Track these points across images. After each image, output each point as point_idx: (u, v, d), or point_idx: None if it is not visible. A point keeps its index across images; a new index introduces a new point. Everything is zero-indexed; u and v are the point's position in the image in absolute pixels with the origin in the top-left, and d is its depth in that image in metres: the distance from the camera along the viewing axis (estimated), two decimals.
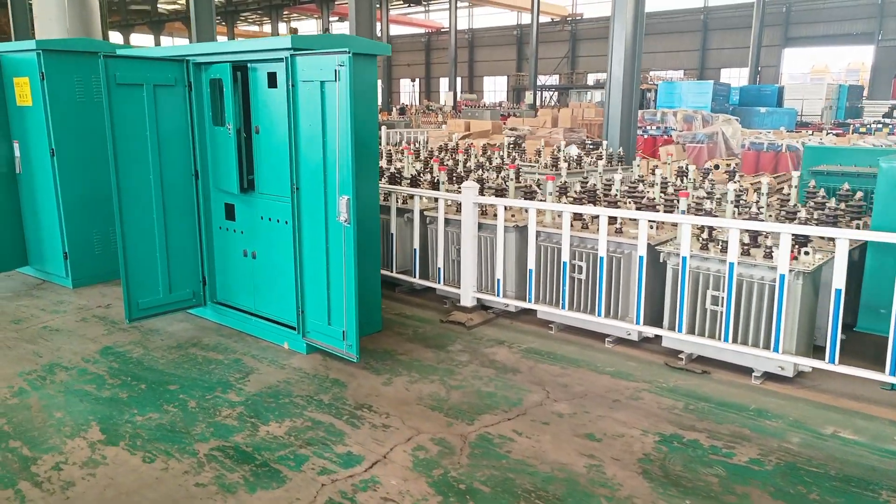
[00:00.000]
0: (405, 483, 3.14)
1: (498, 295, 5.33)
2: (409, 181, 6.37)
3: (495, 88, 51.51)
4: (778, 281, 3.93)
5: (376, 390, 4.17)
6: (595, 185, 5.59)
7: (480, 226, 5.46)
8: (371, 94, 4.83)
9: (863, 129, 16.57)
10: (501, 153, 9.78)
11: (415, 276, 5.93)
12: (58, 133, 6.04)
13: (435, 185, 6.11)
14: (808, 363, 3.99)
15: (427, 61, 54.22)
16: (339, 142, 4.16)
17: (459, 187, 6.21)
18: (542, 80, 43.26)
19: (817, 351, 4.39)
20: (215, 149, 5.09)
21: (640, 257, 4.49)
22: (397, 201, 6.05)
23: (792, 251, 3.96)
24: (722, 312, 4.24)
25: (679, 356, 4.54)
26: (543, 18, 42.06)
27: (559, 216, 5.26)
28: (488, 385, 4.25)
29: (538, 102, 38.14)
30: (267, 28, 54.00)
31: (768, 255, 4.11)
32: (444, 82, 51.27)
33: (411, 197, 6.20)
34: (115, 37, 43.52)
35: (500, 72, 50.66)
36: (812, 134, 15.51)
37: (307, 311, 4.69)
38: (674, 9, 40.46)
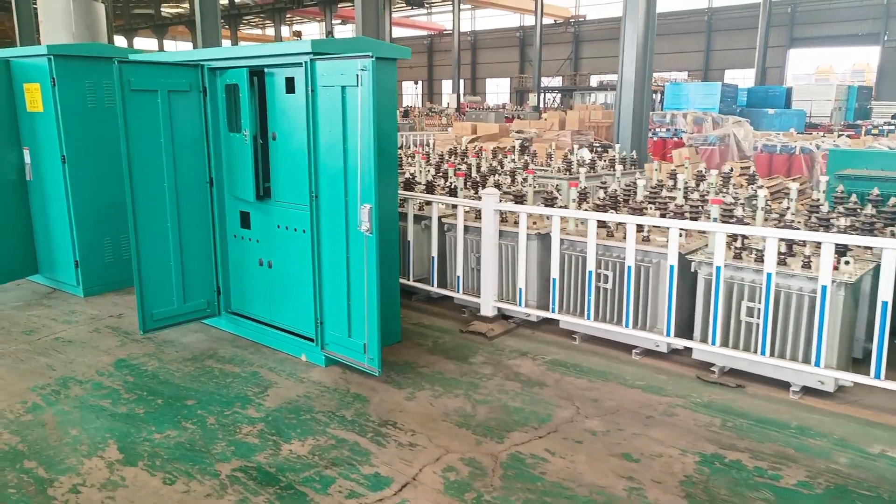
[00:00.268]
0: None
1: (520, 304, 5.19)
2: (424, 187, 6.24)
3: (498, 90, 51.41)
4: (819, 292, 3.79)
5: (400, 405, 4.04)
6: (616, 190, 5.46)
7: (500, 233, 5.32)
8: (391, 98, 4.71)
9: (875, 131, 16.42)
10: (513, 157, 9.64)
11: (432, 285, 5.79)
12: (69, 140, 5.93)
13: (452, 192, 5.98)
14: (852, 378, 3.85)
15: (429, 63, 54.15)
16: (361, 148, 4.04)
17: (477, 193, 6.09)
18: (545, 81, 43.11)
19: (855, 364, 4.25)
20: (230, 156, 4.97)
21: (671, 267, 4.35)
22: (413, 208, 5.93)
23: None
24: (758, 324, 4.10)
25: (711, 369, 4.39)
26: (546, 20, 41.90)
27: (582, 223, 5.13)
28: (515, 400, 4.11)
29: (541, 104, 38.01)
30: (269, 31, 54.02)
31: (807, 265, 3.97)
32: (446, 84, 51.18)
33: (428, 203, 6.07)
34: (119, 41, 43.50)
35: (502, 74, 50.57)
36: (824, 136, 15.36)
37: (326, 322, 4.56)
38: (678, 10, 40.31)
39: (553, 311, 5.02)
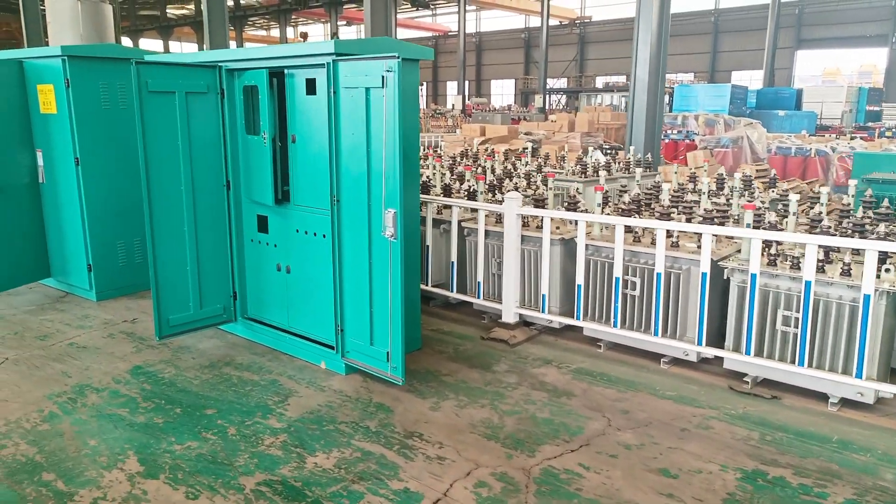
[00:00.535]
0: None
1: (543, 311, 5.08)
2: (441, 191, 6.14)
3: (503, 92, 51.31)
4: (862, 301, 3.66)
5: (425, 416, 3.93)
6: (639, 194, 5.35)
7: (522, 238, 5.21)
8: (414, 101, 4.60)
9: (889, 133, 16.27)
10: (527, 159, 9.52)
11: (452, 290, 5.68)
12: (83, 142, 5.84)
13: (470, 195, 5.87)
14: (893, 390, 3.72)
15: (434, 65, 54.03)
16: (386, 152, 3.93)
17: (494, 197, 5.97)
18: (551, 83, 43.00)
19: (892, 375, 4.12)
20: (248, 159, 4.87)
21: (704, 274, 4.23)
22: (431, 212, 5.82)
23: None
24: (795, 334, 3.97)
25: (744, 379, 4.27)
26: (551, 21, 41.81)
27: (607, 228, 5.01)
28: (542, 410, 4.00)
29: (547, 106, 37.88)
30: (274, 32, 54.03)
31: (846, 273, 3.85)
32: (451, 86, 51.09)
33: (446, 207, 5.97)
34: (125, 42, 43.53)
35: (507, 75, 50.46)
36: (838, 138, 15.21)
37: (347, 329, 4.45)
38: (685, 11, 40.15)
39: (578, 319, 4.90)
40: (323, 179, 4.40)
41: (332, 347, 4.57)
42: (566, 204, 5.34)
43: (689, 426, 3.77)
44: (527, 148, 10.95)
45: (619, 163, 8.83)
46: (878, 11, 34.98)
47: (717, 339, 4.56)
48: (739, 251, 4.58)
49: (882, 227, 3.97)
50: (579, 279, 4.83)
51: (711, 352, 4.36)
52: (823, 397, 4.02)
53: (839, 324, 3.86)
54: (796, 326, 3.97)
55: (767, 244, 4.23)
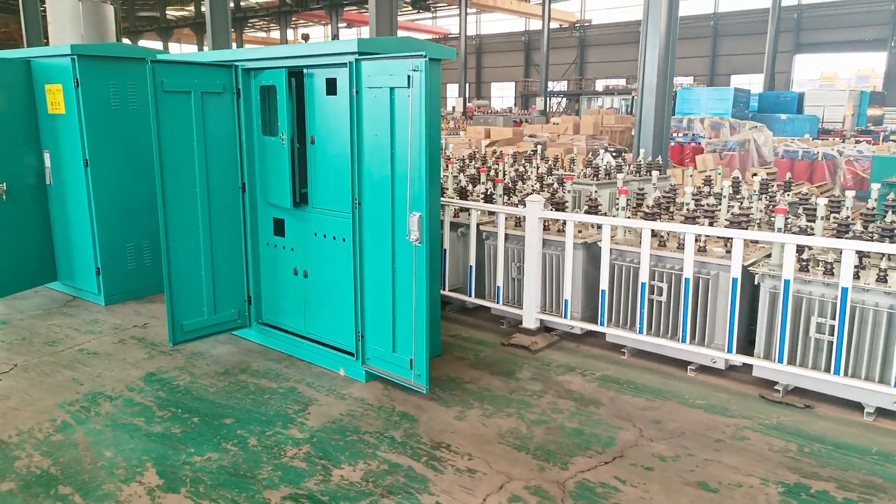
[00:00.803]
0: None
1: (565, 316, 4.97)
2: (457, 193, 6.03)
3: (503, 94, 51.27)
4: None
5: (450, 426, 3.82)
6: (660, 198, 5.25)
7: (543, 242, 5.10)
8: (437, 101, 4.49)
9: (894, 137, 16.23)
10: (538, 162, 9.42)
11: (470, 295, 5.57)
12: (92, 142, 5.72)
13: (487, 198, 5.77)
14: None
15: None
16: (412, 154, 3.82)
17: (510, 199, 5.87)
18: (551, 85, 42.96)
19: None
20: (264, 160, 4.76)
21: (734, 280, 4.13)
22: (448, 215, 5.71)
23: None
24: (829, 341, 3.87)
25: (775, 388, 4.17)
26: (551, 24, 41.81)
27: (630, 232, 4.92)
28: (571, 420, 3.89)
29: (547, 109, 37.83)
30: (274, 34, 53.88)
31: (882, 279, 3.75)
32: (451, 88, 50.99)
33: (463, 210, 5.86)
34: (125, 43, 43.39)
35: (507, 78, 50.42)
36: (844, 142, 15.16)
37: (367, 335, 4.34)
38: (684, 15, 40.12)
39: (602, 324, 4.80)
40: (343, 182, 4.29)
41: (351, 354, 4.45)
42: (586, 207, 5.25)
43: (723, 437, 3.67)
44: (536, 150, 10.85)
45: (629, 165, 8.75)
46: (877, 16, 35.08)
47: (744, 345, 4.47)
48: (768, 256, 4.49)
49: None
50: (603, 284, 4.73)
51: (741, 359, 4.26)
52: (857, 406, 3.92)
53: (876, 331, 3.76)
54: (831, 334, 3.87)
55: (798, 249, 4.13)
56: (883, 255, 3.91)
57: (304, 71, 4.45)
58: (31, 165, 6.05)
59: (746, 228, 4.35)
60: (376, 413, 3.98)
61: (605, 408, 4.04)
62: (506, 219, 5.36)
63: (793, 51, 38.35)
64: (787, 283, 3.93)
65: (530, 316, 5.09)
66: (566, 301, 4.94)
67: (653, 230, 4.58)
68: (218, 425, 3.82)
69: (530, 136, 17.79)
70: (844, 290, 3.73)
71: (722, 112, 20.98)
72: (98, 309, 5.91)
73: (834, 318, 3.85)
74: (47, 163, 6.08)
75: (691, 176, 7.30)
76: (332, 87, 4.32)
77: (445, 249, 5.70)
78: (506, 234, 5.32)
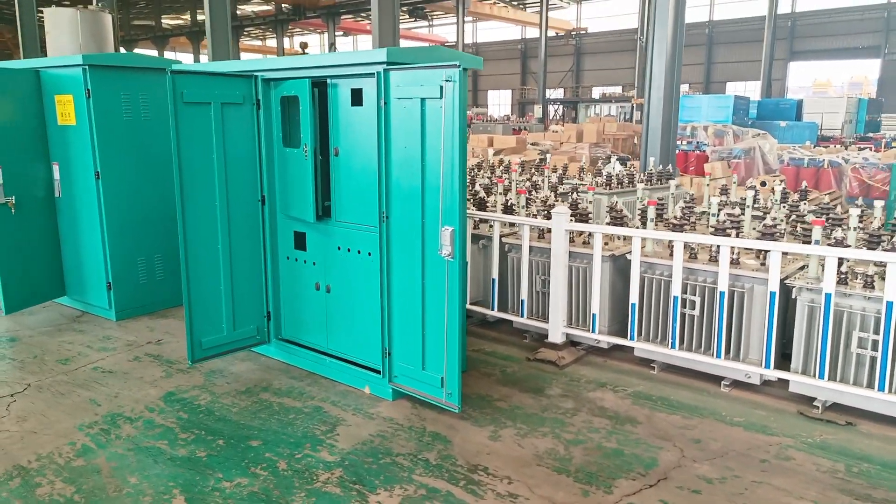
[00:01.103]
0: None
1: (593, 330, 4.86)
2: (475, 205, 5.92)
3: (500, 102, 51.37)
4: None
5: (486, 447, 3.69)
6: (687, 209, 5.16)
7: (569, 255, 5.00)
8: (464, 112, 4.40)
9: (895, 144, 16.26)
10: (549, 171, 9.33)
11: (493, 308, 5.46)
12: (104, 154, 5.59)
13: (506, 209, 5.67)
14: None
15: None
16: (444, 166, 3.72)
17: (529, 210, 5.76)
18: (547, 93, 43.09)
19: None
20: (285, 172, 4.64)
21: (772, 293, 4.04)
22: (469, 227, 5.61)
23: None
24: (872, 357, 3.78)
25: (814, 404, 4.07)
26: (548, 33, 41.96)
27: (658, 244, 4.82)
28: (609, 440, 3.77)
29: (545, 116, 37.91)
30: (270, 42, 53.85)
31: None
32: None
33: (483, 221, 5.76)
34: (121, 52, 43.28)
35: (504, 85, 50.54)
36: (847, 149, 15.17)
37: (395, 352, 4.22)
38: None
39: (631, 339, 4.69)
40: (370, 195, 4.18)
41: (377, 371, 4.33)
42: (610, 218, 5.15)
43: (767, 457, 3.56)
44: (545, 159, 10.78)
45: (643, 174, 8.67)
46: (870, 23, 35.38)
47: (778, 360, 4.37)
48: (802, 268, 4.40)
49: None
50: (633, 298, 4.63)
51: (778, 375, 4.16)
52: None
53: None
54: (874, 349, 3.78)
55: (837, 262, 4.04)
56: None
57: (328, 81, 4.35)
58: (40, 178, 5.92)
59: (778, 240, 4.27)
60: (407, 434, 3.85)
61: (641, 426, 3.93)
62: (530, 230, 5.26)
63: (787, 58, 38.62)
64: (828, 297, 3.83)
65: (556, 330, 4.99)
66: (594, 315, 4.83)
67: (671, 241, 4.48)
68: (245, 448, 3.68)
69: (533, 144, 17.75)
70: (889, 305, 3.64)
71: (722, 119, 21.01)
72: (109, 325, 5.76)
73: (877, 333, 3.76)
74: (56, 175, 5.95)
75: (708, 185, 7.23)
76: (357, 97, 4.22)
77: (466, 262, 5.58)
78: (529, 247, 5.22)
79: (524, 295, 5.22)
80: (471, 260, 5.62)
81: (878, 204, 5.02)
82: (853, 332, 3.86)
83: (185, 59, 49.65)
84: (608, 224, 5.06)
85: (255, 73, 4.59)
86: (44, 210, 5.97)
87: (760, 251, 4.48)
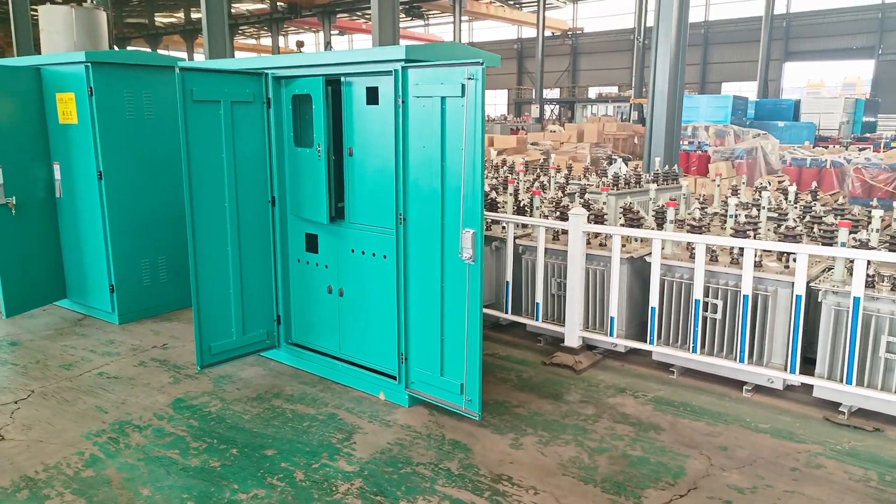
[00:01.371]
0: None
1: (611, 334, 4.77)
2: (487, 206, 5.82)
3: (496, 102, 51.30)
4: None
5: (508, 455, 3.59)
6: (706, 210, 5.08)
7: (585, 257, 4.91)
8: (483, 111, 4.29)
9: (894, 144, 16.28)
10: (553, 172, 9.24)
11: (507, 311, 5.36)
12: (107, 154, 5.45)
13: (519, 210, 5.57)
14: None
15: None
16: (466, 167, 3.61)
17: (538, 209, 5.67)
18: (544, 93, 43.05)
19: None
20: (296, 173, 4.53)
21: (798, 297, 3.96)
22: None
23: None
24: None
25: (839, 409, 3.99)
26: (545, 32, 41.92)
27: (677, 246, 4.74)
28: (633, 447, 3.68)
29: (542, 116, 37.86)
30: (264, 41, 53.53)
31: None
32: None
33: (495, 223, 5.66)
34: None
35: (500, 85, 50.45)
36: (848, 149, 15.17)
37: (412, 358, 4.11)
38: None
39: (651, 343, 4.60)
40: (386, 196, 4.07)
41: (392, 377, 4.22)
42: (625, 220, 5.07)
43: (797, 465, 3.48)
44: (549, 159, 10.69)
45: (649, 174, 8.59)
46: (865, 24, 35.53)
47: (801, 364, 4.29)
48: (826, 270, 4.33)
49: None
50: (653, 301, 4.54)
51: (803, 380, 4.07)
52: None
53: None
54: None
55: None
56: None
57: (342, 79, 4.23)
58: (41, 178, 5.77)
59: (800, 242, 4.19)
60: (426, 442, 3.74)
61: (666, 433, 3.84)
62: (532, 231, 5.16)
63: (782, 59, 38.74)
64: (856, 300, 3.75)
65: (573, 334, 4.89)
66: (612, 318, 4.74)
67: (689, 243, 4.39)
68: (259, 457, 3.57)
69: (533, 144, 17.68)
70: None
71: (720, 119, 21.03)
72: (112, 328, 5.62)
73: None
74: (57, 175, 5.80)
75: (719, 186, 7.16)
76: (373, 96, 4.11)
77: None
78: (545, 249, 5.12)
79: (539, 298, 5.12)
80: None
81: None
82: (881, 337, 3.78)
83: (180, 58, 49.25)
84: (623, 225, 4.98)
85: (266, 71, 4.48)
86: (45, 211, 5.82)
87: (782, 253, 4.40)
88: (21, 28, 20.42)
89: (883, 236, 4.54)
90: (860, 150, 15.29)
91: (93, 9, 12.09)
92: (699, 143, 15.08)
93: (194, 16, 42.49)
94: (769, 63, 34.28)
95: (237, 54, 45.85)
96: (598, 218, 5.11)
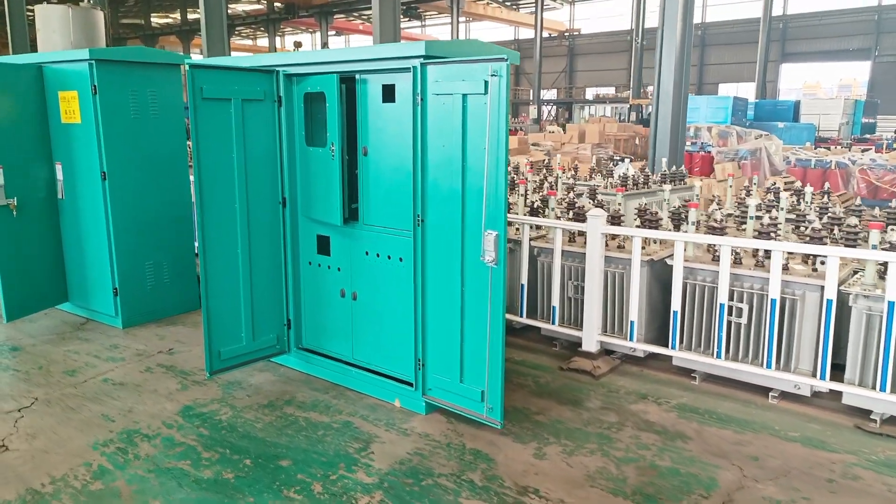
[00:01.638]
0: None
1: (630, 339, 4.65)
2: None
3: None
4: None
5: (532, 466, 3.47)
6: (728, 212, 4.96)
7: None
8: (507, 109, 4.16)
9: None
10: (559, 172, 9.13)
11: (521, 315, 5.23)
12: (111, 154, 5.30)
13: (533, 211, 5.45)
14: None
15: None
16: (489, 167, 3.49)
17: (553, 211, 5.56)
18: (541, 94, 43.01)
19: None
20: (308, 173, 4.39)
21: (829, 301, 3.85)
22: None
23: None
24: None
25: (871, 417, 3.88)
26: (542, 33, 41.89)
27: (699, 248, 4.62)
28: (661, 457, 3.56)
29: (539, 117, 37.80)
30: (261, 42, 53.32)
31: None
32: None
33: (508, 224, 5.53)
34: None
35: None
36: (848, 149, 15.13)
37: (429, 364, 3.98)
38: None
39: (673, 348, 4.49)
40: (402, 197, 3.94)
41: (408, 384, 4.09)
42: (643, 220, 4.95)
43: (833, 476, 3.36)
44: (557, 160, 10.58)
45: (657, 175, 8.49)
46: (861, 26, 35.62)
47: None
48: (854, 273, 4.22)
49: None
50: (675, 305, 4.42)
51: (832, 386, 3.96)
52: None
53: None
54: None
55: (883, 265, 3.85)
56: None
57: (357, 77, 4.11)
58: (42, 178, 5.62)
59: (825, 244, 4.08)
60: (446, 451, 3.61)
61: (693, 442, 3.72)
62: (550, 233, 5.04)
63: (779, 60, 38.80)
64: (891, 304, 3.65)
65: (591, 338, 4.77)
66: (632, 322, 4.62)
67: (709, 245, 4.28)
68: (274, 468, 3.43)
69: (534, 145, 17.58)
70: None
71: (721, 120, 20.97)
72: (116, 333, 5.47)
73: None
74: (59, 175, 5.65)
75: (731, 186, 7.06)
76: (389, 93, 3.98)
77: None
78: (561, 251, 5.00)
79: (555, 301, 5.00)
80: None
81: None
82: None
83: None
84: (639, 227, 4.87)
85: (277, 69, 4.34)
86: (46, 212, 5.67)
87: (807, 256, 4.30)
88: (17, 27, 20.22)
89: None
90: (862, 151, 15.25)
91: (90, 8, 11.92)
92: (702, 143, 15.01)
93: (191, 16, 42.27)
94: (767, 64, 34.32)
95: (234, 55, 45.65)
96: (615, 219, 5.00)
